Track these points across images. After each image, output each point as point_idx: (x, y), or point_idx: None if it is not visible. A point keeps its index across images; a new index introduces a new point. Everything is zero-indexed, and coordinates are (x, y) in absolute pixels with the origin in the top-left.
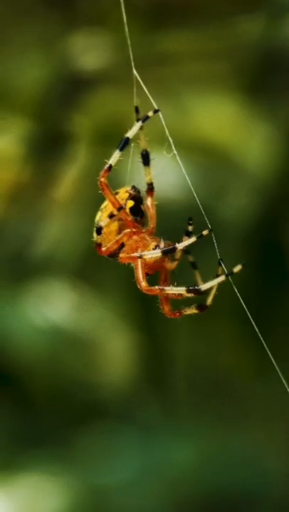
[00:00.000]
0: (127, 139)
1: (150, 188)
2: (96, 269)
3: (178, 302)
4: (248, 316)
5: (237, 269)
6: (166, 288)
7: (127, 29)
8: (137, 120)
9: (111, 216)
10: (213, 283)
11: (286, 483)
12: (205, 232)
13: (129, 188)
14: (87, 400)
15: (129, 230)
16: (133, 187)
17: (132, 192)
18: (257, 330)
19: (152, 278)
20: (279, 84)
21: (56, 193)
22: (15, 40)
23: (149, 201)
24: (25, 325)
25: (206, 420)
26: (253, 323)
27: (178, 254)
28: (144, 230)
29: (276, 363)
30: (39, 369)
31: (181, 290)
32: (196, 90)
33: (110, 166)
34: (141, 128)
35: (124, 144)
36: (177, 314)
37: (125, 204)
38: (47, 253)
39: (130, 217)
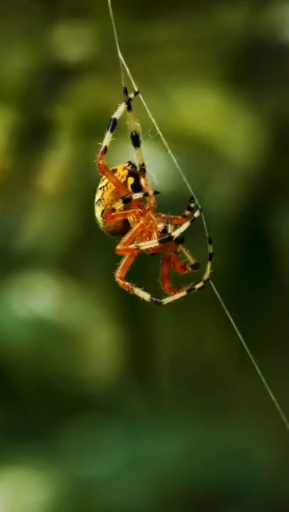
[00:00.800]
0: (115, 120)
1: (142, 168)
2: (81, 261)
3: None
4: (231, 307)
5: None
6: (136, 289)
7: (111, 12)
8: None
9: (126, 201)
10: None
11: (273, 476)
12: (196, 214)
13: (126, 165)
14: (72, 393)
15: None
16: (129, 163)
17: (129, 168)
18: (233, 322)
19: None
20: (262, 73)
21: (41, 184)
22: None
23: (142, 181)
24: (9, 317)
25: (192, 413)
26: (229, 315)
27: (171, 229)
28: (147, 208)
29: (261, 353)
30: (24, 362)
31: (146, 297)
32: (179, 80)
33: (106, 148)
34: (129, 109)
35: (113, 125)
36: (177, 291)
37: (126, 182)
38: (31, 245)
39: (136, 196)
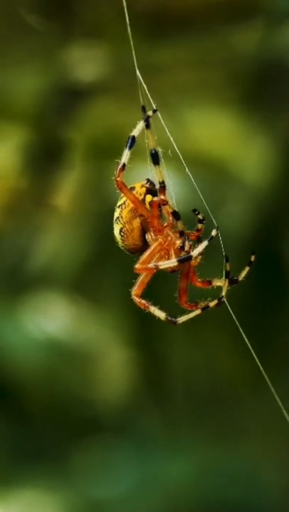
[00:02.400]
0: (133, 137)
1: (162, 186)
2: (94, 282)
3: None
4: (243, 326)
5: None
6: (152, 307)
7: (129, 29)
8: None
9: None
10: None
11: (284, 497)
12: (214, 233)
13: (144, 182)
14: (84, 414)
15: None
16: (148, 180)
17: (148, 186)
18: (248, 344)
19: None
20: (276, 95)
21: (54, 205)
22: (12, 51)
23: (162, 198)
24: (22, 338)
25: (204, 434)
26: (245, 337)
27: (187, 247)
28: (165, 225)
29: (274, 374)
30: (36, 382)
31: (161, 316)
32: (193, 101)
33: (124, 165)
34: (147, 127)
35: (132, 143)
36: (193, 306)
37: (144, 199)
38: (44, 266)
39: (155, 213)
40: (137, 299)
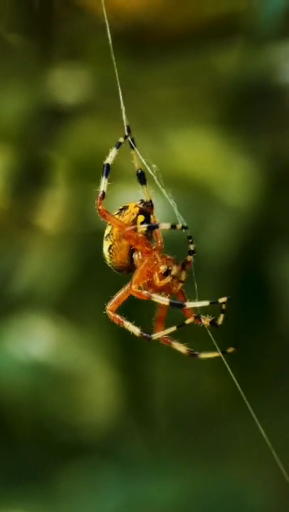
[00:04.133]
0: (108, 165)
1: (150, 205)
2: (78, 304)
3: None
4: (227, 348)
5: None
6: (126, 323)
7: (112, 50)
8: (118, 145)
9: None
10: (162, 333)
11: None
12: (189, 258)
13: (138, 203)
14: (69, 436)
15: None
16: (141, 201)
17: (141, 206)
18: (228, 367)
19: None
20: (257, 115)
21: (37, 226)
22: None
23: (151, 218)
24: (5, 360)
25: (188, 457)
26: (224, 360)
27: (182, 276)
28: (154, 247)
29: (256, 394)
30: (20, 404)
31: (135, 331)
32: (174, 122)
33: (104, 193)
34: (132, 148)
35: (107, 171)
36: (197, 321)
37: (136, 219)
38: (28, 287)
39: (139, 236)
40: (111, 314)
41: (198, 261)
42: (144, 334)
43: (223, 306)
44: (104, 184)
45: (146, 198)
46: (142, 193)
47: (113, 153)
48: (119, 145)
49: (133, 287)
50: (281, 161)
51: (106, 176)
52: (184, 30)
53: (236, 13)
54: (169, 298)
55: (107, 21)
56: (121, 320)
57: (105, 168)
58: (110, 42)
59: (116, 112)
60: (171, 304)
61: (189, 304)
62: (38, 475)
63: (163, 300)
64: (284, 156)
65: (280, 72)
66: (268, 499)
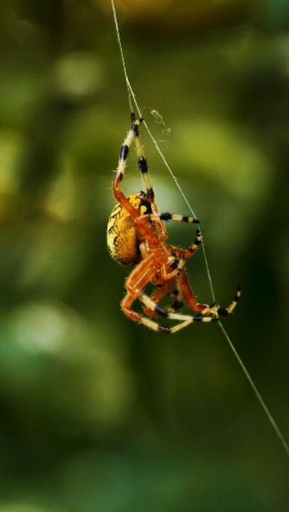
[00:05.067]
0: (126, 147)
1: (151, 193)
2: (86, 296)
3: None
4: (236, 341)
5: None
6: (143, 319)
7: (119, 39)
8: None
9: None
10: (181, 326)
11: None
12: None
13: (138, 194)
14: (76, 429)
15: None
16: (142, 192)
17: (142, 197)
18: (240, 360)
19: None
20: (266, 108)
21: (46, 218)
22: (2, 64)
23: (152, 207)
24: (14, 352)
25: (196, 452)
26: (236, 354)
27: (181, 265)
28: (159, 238)
29: (267, 388)
30: (28, 397)
31: (154, 326)
32: (184, 116)
33: (121, 175)
34: (136, 135)
35: (125, 153)
36: (201, 308)
37: (139, 210)
38: (36, 279)
39: (149, 226)
40: (127, 312)
41: (206, 252)
42: (163, 328)
43: (238, 294)
44: (122, 166)
45: (147, 187)
46: (144, 181)
47: (130, 135)
48: (135, 128)
49: (130, 281)
50: None
51: (124, 158)
52: (193, 22)
53: (245, 4)
54: (156, 303)
55: (115, 13)
56: (138, 317)
57: (123, 150)
58: (118, 32)
59: (125, 103)
60: (156, 309)
61: (173, 316)
62: (45, 468)
63: (150, 304)
64: None
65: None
66: (277, 493)
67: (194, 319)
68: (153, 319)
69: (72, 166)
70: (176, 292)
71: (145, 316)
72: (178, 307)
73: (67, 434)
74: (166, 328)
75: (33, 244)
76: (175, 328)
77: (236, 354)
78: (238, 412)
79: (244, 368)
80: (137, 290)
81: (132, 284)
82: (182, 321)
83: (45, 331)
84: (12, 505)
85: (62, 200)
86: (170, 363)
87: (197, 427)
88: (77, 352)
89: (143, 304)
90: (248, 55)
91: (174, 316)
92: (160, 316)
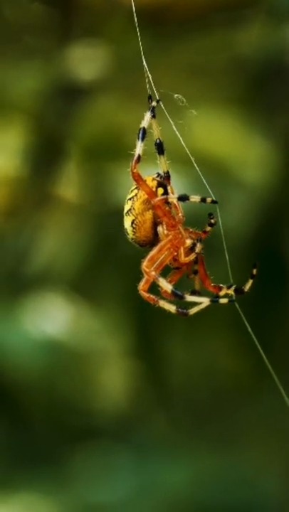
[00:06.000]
0: (144, 128)
1: (167, 176)
2: (93, 283)
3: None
4: (247, 329)
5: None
6: (161, 301)
7: (136, 20)
8: (149, 110)
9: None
10: (199, 307)
11: (284, 505)
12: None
13: (155, 176)
14: (82, 418)
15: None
16: (158, 174)
17: (159, 179)
18: (256, 340)
19: None
20: (276, 95)
21: (54, 205)
22: (11, 51)
23: (169, 189)
24: (21, 339)
25: (202, 441)
26: (253, 335)
27: (199, 248)
28: (177, 220)
29: (275, 373)
30: (35, 385)
31: (172, 309)
32: (192, 103)
33: (139, 156)
34: (153, 117)
35: (143, 134)
36: (216, 289)
37: (156, 192)
38: (44, 266)
39: (167, 207)
40: (145, 294)
41: (216, 239)
42: (181, 310)
43: (254, 271)
44: (140, 147)
45: (163, 169)
46: (160, 164)
47: (147, 117)
48: (152, 109)
49: (146, 264)
50: None
51: (142, 140)
52: (202, 8)
53: None
54: (173, 286)
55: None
56: (156, 299)
57: (141, 131)
58: (134, 12)
59: (134, 89)
60: (172, 292)
61: (189, 298)
62: (51, 457)
63: (166, 286)
64: None
65: None
66: (282, 483)
67: (211, 301)
68: (170, 302)
69: (80, 153)
70: (195, 272)
71: (162, 298)
72: (196, 295)
73: (73, 423)
74: (184, 310)
75: (40, 230)
76: (193, 310)
77: (253, 336)
78: (245, 401)
79: (260, 349)
80: (153, 273)
81: (149, 267)
82: (199, 303)
83: (52, 318)
84: (17, 494)
85: (70, 187)
86: (177, 352)
87: (203, 416)
88: (83, 339)
89: (159, 287)
90: (257, 41)
91: (190, 298)
92: (177, 298)
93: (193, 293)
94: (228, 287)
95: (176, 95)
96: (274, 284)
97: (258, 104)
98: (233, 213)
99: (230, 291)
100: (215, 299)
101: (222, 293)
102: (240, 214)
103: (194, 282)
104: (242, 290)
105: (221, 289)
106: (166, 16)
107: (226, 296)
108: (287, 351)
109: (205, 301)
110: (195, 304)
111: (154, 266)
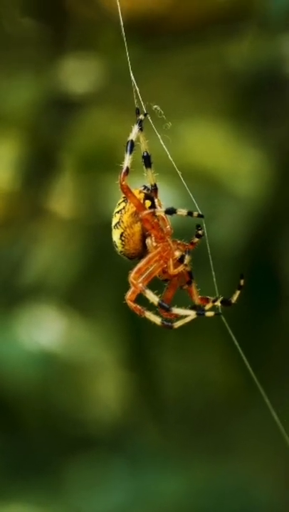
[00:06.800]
0: (131, 141)
1: (154, 188)
2: (87, 295)
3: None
4: (238, 340)
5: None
6: (147, 312)
7: (124, 33)
8: (137, 122)
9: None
10: (184, 321)
11: None
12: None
13: (142, 189)
14: (77, 428)
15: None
16: (144, 187)
17: (146, 192)
18: (244, 357)
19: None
20: (267, 107)
21: (47, 217)
22: (4, 63)
23: (156, 202)
24: (15, 350)
25: (196, 451)
26: (237, 345)
27: (187, 260)
28: (165, 232)
29: (266, 386)
30: (29, 395)
31: (157, 320)
32: (185, 114)
33: (127, 169)
34: (140, 130)
35: (131, 147)
36: (204, 301)
37: (144, 204)
38: (38, 278)
39: (155, 220)
40: (131, 304)
41: (206, 250)
42: (166, 323)
43: (241, 282)
44: (128, 160)
45: (150, 182)
46: (147, 177)
47: (135, 129)
48: (140, 122)
49: (133, 275)
50: None
51: (130, 153)
52: (195, 20)
53: (247, 3)
54: (159, 298)
55: (119, 8)
56: (142, 310)
57: (129, 144)
58: (122, 26)
59: (127, 101)
60: (158, 304)
61: (175, 310)
62: (45, 467)
63: (153, 298)
64: None
65: None
66: (277, 493)
67: (197, 314)
68: (157, 313)
69: (74, 164)
70: (189, 283)
71: (149, 309)
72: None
73: (68, 433)
74: (169, 323)
75: (34, 242)
76: (178, 324)
77: (239, 348)
78: (238, 411)
79: (247, 364)
80: (140, 284)
81: (136, 278)
82: (185, 316)
83: (46, 329)
84: (12, 504)
85: (63, 199)
86: (170, 362)
87: (197, 426)
88: (77, 351)
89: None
90: (249, 53)
91: (177, 310)
92: (163, 310)
93: (194, 307)
94: (214, 301)
95: (154, 106)
96: (266, 295)
97: (250, 116)
98: (226, 225)
99: (217, 303)
100: (201, 312)
101: (208, 306)
102: (233, 226)
103: (192, 297)
104: (229, 302)
105: (208, 300)
106: (160, 29)
107: (212, 309)
108: (280, 361)
109: (191, 314)
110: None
111: (142, 278)
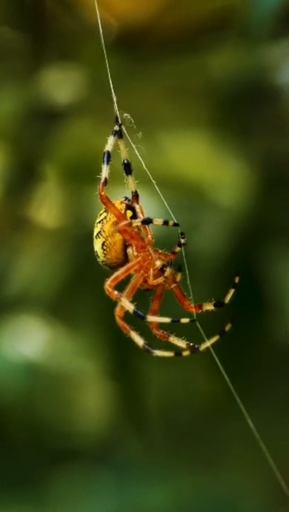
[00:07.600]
0: (108, 152)
1: (135, 195)
2: (71, 306)
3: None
4: (219, 351)
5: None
6: (132, 332)
7: (103, 44)
8: (113, 133)
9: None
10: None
11: None
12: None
13: (123, 199)
14: (62, 440)
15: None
16: (125, 198)
17: (127, 202)
18: (222, 370)
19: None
20: (250, 117)
21: (30, 228)
22: None
23: (138, 209)
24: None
25: (182, 462)
26: (217, 361)
27: (168, 272)
28: (146, 242)
29: (249, 399)
30: (13, 406)
31: (140, 342)
32: (168, 125)
33: (106, 179)
34: (120, 138)
35: (108, 158)
36: (197, 309)
37: (125, 215)
38: (21, 289)
39: (134, 230)
40: (120, 322)
41: (191, 261)
42: (147, 347)
43: (236, 280)
44: (106, 171)
45: (131, 189)
46: (128, 184)
47: (111, 140)
48: (115, 133)
49: (109, 283)
50: (274, 162)
51: (107, 163)
52: (178, 31)
53: (229, 14)
54: (135, 307)
55: (99, 19)
56: (128, 329)
57: (106, 155)
58: (102, 37)
59: (109, 113)
60: (134, 312)
61: (150, 318)
62: (31, 479)
63: (128, 306)
64: (276, 157)
65: (274, 72)
66: (263, 504)
67: (172, 321)
68: (140, 335)
69: (57, 175)
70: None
71: (135, 330)
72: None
73: (52, 445)
74: (150, 348)
75: (17, 253)
76: (158, 353)
77: (217, 360)
78: (223, 421)
79: (226, 377)
80: (115, 292)
81: (112, 286)
82: (168, 351)
83: (29, 341)
84: None
85: (46, 209)
86: (155, 373)
87: (182, 437)
88: (62, 362)
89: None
90: (232, 63)
91: (152, 318)
92: (139, 318)
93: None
94: (199, 306)
95: (125, 114)
96: (249, 306)
97: (233, 126)
98: (208, 235)
99: (210, 307)
100: (175, 319)
101: (205, 307)
102: (215, 236)
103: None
104: (222, 303)
105: (201, 307)
106: (142, 40)
107: (187, 316)
108: (263, 373)
109: (166, 321)
110: (179, 322)
111: (127, 290)
